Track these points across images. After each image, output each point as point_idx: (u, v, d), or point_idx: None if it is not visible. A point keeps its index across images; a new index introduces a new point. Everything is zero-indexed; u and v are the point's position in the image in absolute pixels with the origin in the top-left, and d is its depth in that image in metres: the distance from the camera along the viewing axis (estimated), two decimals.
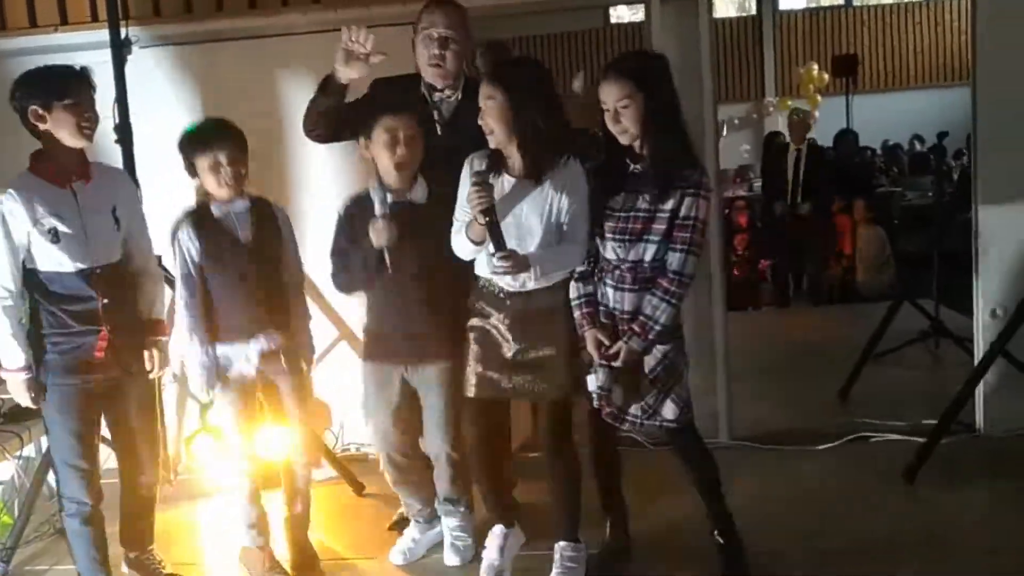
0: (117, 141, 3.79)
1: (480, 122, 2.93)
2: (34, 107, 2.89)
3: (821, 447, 4.11)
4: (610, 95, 2.81)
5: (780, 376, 5.25)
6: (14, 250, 2.91)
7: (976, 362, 4.10)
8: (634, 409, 2.93)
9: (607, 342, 2.87)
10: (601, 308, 2.93)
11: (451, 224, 3.02)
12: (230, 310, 3.14)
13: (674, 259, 2.82)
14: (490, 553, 3.19)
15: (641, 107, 2.78)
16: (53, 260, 2.93)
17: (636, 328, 2.83)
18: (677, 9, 4.12)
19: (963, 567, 3.08)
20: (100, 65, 3.65)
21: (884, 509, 3.49)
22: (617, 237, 2.86)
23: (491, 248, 2.87)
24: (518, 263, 2.84)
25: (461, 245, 3.00)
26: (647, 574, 3.16)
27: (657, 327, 2.82)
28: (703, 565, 3.08)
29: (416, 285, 3.15)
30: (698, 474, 3.07)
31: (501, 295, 3.01)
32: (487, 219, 2.83)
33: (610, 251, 2.89)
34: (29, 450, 3.90)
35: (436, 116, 3.32)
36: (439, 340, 3.16)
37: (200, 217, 3.14)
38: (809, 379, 5.14)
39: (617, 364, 2.86)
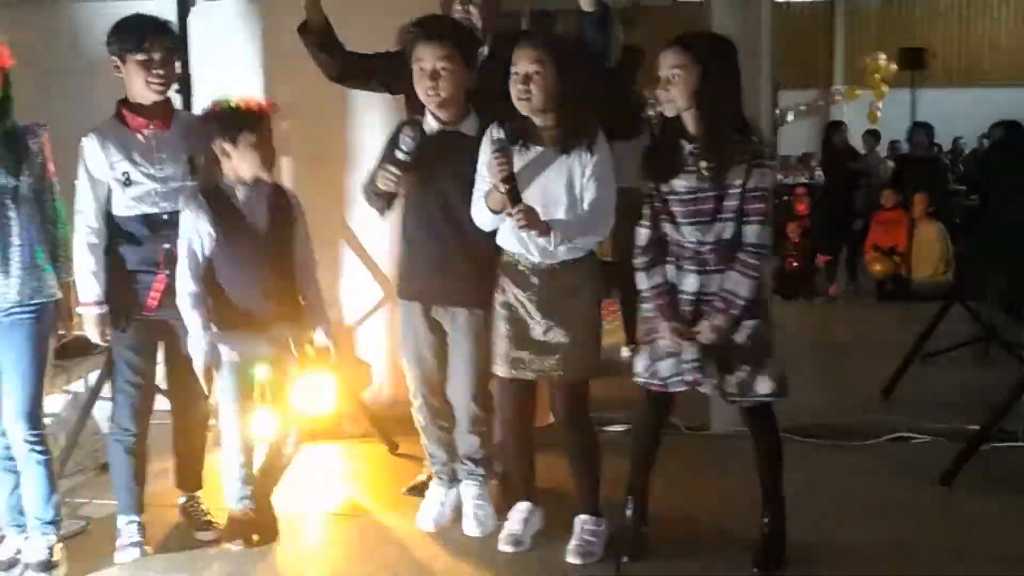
0: (177, 91, 3.83)
1: (518, 86, 2.88)
2: (113, 56, 3.00)
3: (860, 443, 4.07)
4: (665, 62, 2.79)
5: (826, 368, 5.19)
6: (97, 191, 3.01)
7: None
8: (731, 386, 2.88)
9: (684, 330, 2.83)
10: (683, 296, 2.88)
11: None
12: (243, 300, 3.05)
13: (750, 232, 2.80)
14: (513, 525, 3.18)
15: (694, 80, 2.75)
16: (124, 204, 3.02)
17: (719, 304, 2.81)
18: None
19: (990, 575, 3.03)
20: (164, 15, 3.69)
21: (917, 511, 3.43)
22: (691, 220, 2.84)
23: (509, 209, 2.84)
24: (535, 221, 2.81)
25: (481, 215, 2.99)
26: (670, 556, 3.13)
27: (740, 301, 2.80)
28: (726, 551, 3.08)
29: (454, 220, 3.05)
30: (769, 453, 3.04)
31: (526, 271, 2.99)
32: (507, 187, 2.82)
33: (688, 235, 2.86)
34: (77, 385, 4.01)
35: None
36: (472, 284, 3.07)
37: (216, 201, 3.01)
38: (855, 374, 5.07)
39: (703, 341, 2.82)
